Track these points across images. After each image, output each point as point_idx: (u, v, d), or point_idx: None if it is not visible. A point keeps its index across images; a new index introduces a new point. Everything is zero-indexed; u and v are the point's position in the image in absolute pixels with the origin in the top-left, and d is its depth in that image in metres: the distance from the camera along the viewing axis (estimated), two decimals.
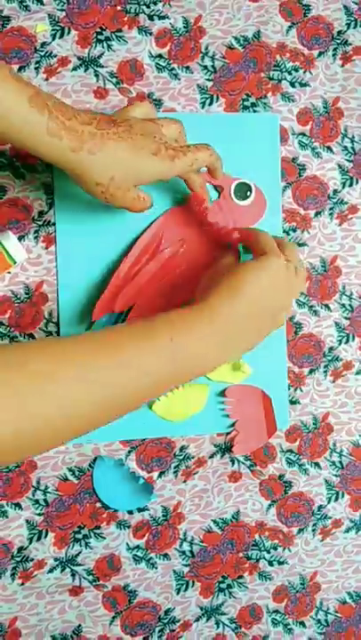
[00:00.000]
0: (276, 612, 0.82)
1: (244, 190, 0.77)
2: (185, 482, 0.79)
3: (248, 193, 0.77)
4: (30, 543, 0.76)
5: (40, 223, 0.75)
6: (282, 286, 0.64)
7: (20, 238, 0.74)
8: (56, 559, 0.77)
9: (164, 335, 0.58)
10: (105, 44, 0.76)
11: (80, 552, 0.77)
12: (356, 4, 0.81)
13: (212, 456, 0.79)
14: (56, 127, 0.58)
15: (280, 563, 0.82)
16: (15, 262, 0.72)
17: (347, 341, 0.82)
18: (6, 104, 0.56)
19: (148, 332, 0.58)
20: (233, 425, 0.79)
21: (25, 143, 0.59)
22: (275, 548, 0.81)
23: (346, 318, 0.82)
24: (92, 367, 0.55)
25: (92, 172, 0.61)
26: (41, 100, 0.57)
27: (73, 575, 0.77)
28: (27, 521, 0.76)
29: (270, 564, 0.82)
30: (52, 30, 0.75)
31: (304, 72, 0.80)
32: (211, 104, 0.78)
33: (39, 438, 0.52)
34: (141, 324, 0.59)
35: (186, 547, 0.79)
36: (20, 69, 0.74)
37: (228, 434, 0.79)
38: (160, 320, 0.60)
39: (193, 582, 0.80)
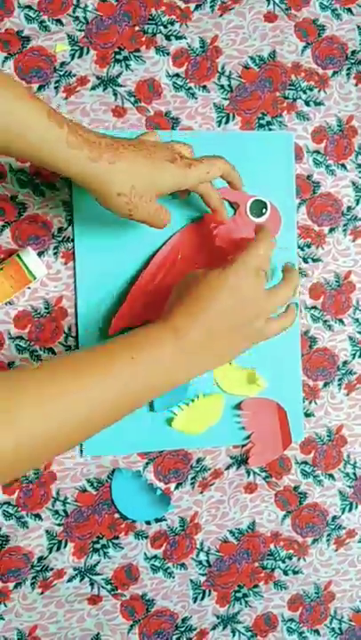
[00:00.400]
0: (291, 620, 0.79)
1: (259, 207, 0.74)
2: (202, 493, 0.76)
3: (263, 210, 0.74)
4: (50, 553, 0.73)
5: (59, 239, 0.72)
6: (248, 295, 0.59)
7: (40, 254, 0.72)
8: (75, 569, 0.74)
9: (125, 356, 0.56)
10: (123, 64, 0.73)
11: (99, 562, 0.74)
12: None
13: (228, 467, 0.76)
14: (75, 140, 0.56)
15: (295, 572, 0.79)
16: (35, 278, 0.70)
17: None
18: (26, 122, 0.54)
19: (108, 354, 0.56)
20: (249, 437, 0.76)
21: (45, 159, 0.56)
22: (290, 558, 0.78)
23: (359, 332, 0.79)
24: (48, 396, 0.52)
25: (113, 182, 0.58)
26: (59, 115, 0.56)
27: (92, 584, 0.74)
28: (46, 531, 0.73)
29: (285, 573, 0.79)
30: (72, 50, 0.72)
31: (319, 91, 0.77)
32: (227, 122, 0.75)
33: None
34: (101, 347, 0.57)
35: (202, 556, 0.76)
36: (39, 89, 0.71)
37: (243, 446, 0.76)
38: (121, 341, 0.58)
39: (209, 591, 0.77)
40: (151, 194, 0.61)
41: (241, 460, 0.77)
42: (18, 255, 0.70)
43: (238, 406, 0.76)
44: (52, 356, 0.60)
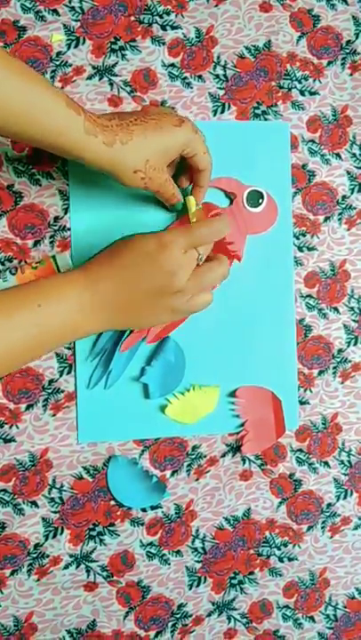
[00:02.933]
0: (287, 607, 0.79)
1: (256, 198, 0.74)
2: (197, 480, 0.76)
3: (260, 200, 0.74)
4: (46, 540, 0.73)
5: (55, 228, 0.72)
6: (170, 269, 0.60)
7: (36, 243, 0.72)
8: (71, 555, 0.74)
9: (32, 302, 0.58)
10: (119, 54, 0.73)
11: (95, 549, 0.74)
12: None
13: (223, 455, 0.76)
14: (91, 126, 0.58)
15: (290, 559, 0.78)
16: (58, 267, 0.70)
17: (355, 343, 0.79)
18: (46, 108, 0.56)
19: (15, 299, 0.58)
20: (243, 425, 0.76)
21: (61, 145, 0.58)
22: (285, 545, 0.78)
23: (354, 321, 0.78)
24: None
25: (127, 161, 0.60)
26: (75, 103, 0.58)
27: (88, 571, 0.74)
28: (42, 518, 0.73)
29: (281, 560, 0.78)
30: (68, 40, 0.72)
31: (314, 81, 0.77)
32: (223, 112, 0.75)
33: None
34: (12, 291, 0.59)
35: (198, 543, 0.76)
36: None
37: (238, 433, 0.76)
38: (32, 286, 0.60)
39: (205, 578, 0.77)
40: (163, 163, 0.63)
41: (236, 448, 0.76)
42: (54, 257, 0.70)
43: (233, 394, 0.75)
44: None
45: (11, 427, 0.72)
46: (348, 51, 0.78)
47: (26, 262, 0.71)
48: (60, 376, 0.73)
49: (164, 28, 0.74)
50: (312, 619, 0.79)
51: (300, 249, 0.77)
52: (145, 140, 0.60)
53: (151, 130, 0.61)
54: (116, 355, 0.72)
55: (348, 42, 0.78)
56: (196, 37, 0.74)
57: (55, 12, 0.72)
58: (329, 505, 0.79)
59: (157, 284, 0.61)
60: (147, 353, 0.74)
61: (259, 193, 0.74)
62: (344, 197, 0.78)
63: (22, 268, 0.69)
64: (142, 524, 0.75)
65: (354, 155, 0.78)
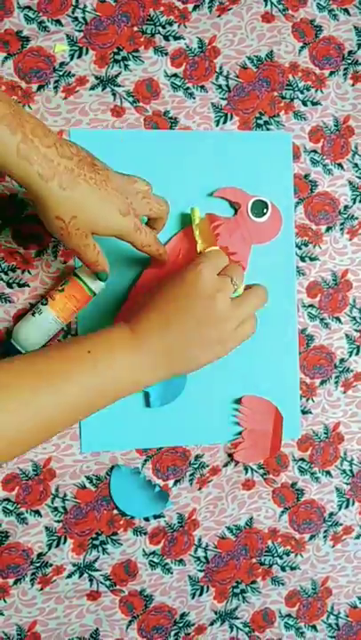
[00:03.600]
0: (289, 616, 0.79)
1: (260, 208, 0.74)
2: (200, 489, 0.76)
3: (265, 210, 0.74)
4: (49, 549, 0.73)
5: None
6: (200, 295, 0.59)
7: (39, 253, 0.72)
8: (74, 565, 0.74)
9: (87, 361, 0.57)
10: (122, 64, 0.73)
11: (97, 558, 0.74)
12: None
13: (226, 465, 0.76)
14: (28, 150, 0.53)
15: (292, 568, 0.79)
16: (95, 294, 0.70)
17: (357, 353, 0.79)
18: None
19: (67, 360, 0.57)
20: (241, 433, 0.76)
21: None
22: (287, 554, 0.78)
23: (356, 331, 0.79)
24: (5, 411, 0.53)
25: (56, 205, 0.56)
26: (17, 120, 0.53)
27: (91, 580, 0.74)
28: (46, 528, 0.73)
29: (283, 569, 0.78)
30: (71, 50, 0.72)
31: (316, 91, 0.77)
32: (225, 122, 0.75)
33: None
34: (59, 352, 0.58)
35: (200, 553, 0.76)
36: (39, 89, 0.71)
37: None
38: (79, 348, 0.58)
39: (207, 587, 0.77)
40: (88, 230, 0.60)
41: None
42: (75, 274, 0.69)
43: (238, 401, 0.75)
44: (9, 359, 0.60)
45: None
46: (350, 61, 0.78)
47: (52, 289, 0.71)
48: None
49: (166, 38, 0.74)
50: (314, 628, 0.79)
51: (302, 259, 0.77)
52: (83, 200, 0.57)
53: (96, 197, 0.58)
54: None
55: (351, 52, 0.78)
56: (199, 48, 0.75)
57: (58, 22, 0.72)
58: (331, 514, 0.79)
59: (199, 312, 0.59)
60: None
61: (263, 203, 0.74)
62: (346, 207, 0.78)
63: (51, 294, 0.69)
64: (145, 534, 0.75)
65: (356, 165, 0.78)
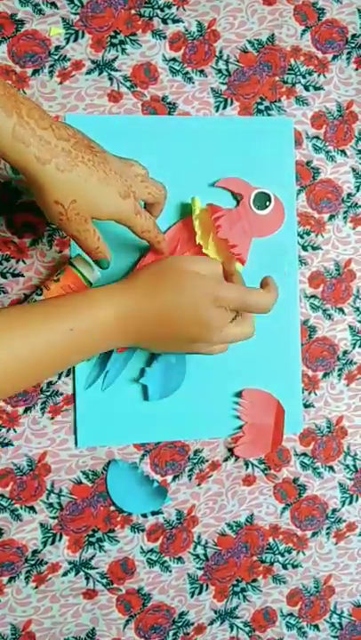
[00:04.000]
0: (291, 615, 0.77)
1: (263, 200, 0.72)
2: (199, 485, 0.74)
3: (267, 203, 0.72)
4: (44, 546, 0.72)
5: (54, 226, 0.70)
6: (211, 316, 0.58)
7: (34, 242, 0.70)
8: (70, 562, 0.72)
9: (64, 323, 0.57)
10: (119, 48, 0.71)
11: (94, 555, 0.73)
12: None
13: (226, 460, 0.75)
14: (24, 132, 0.52)
15: (294, 566, 0.77)
16: (91, 284, 0.68)
17: None
18: None
19: (46, 317, 0.57)
20: (241, 427, 0.74)
21: None
22: (289, 552, 0.77)
23: (360, 322, 0.77)
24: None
25: (54, 189, 0.55)
26: (11, 102, 0.52)
27: (87, 578, 0.73)
28: (41, 524, 0.72)
29: (284, 567, 0.77)
30: (66, 34, 0.70)
31: (318, 76, 0.75)
32: (225, 108, 0.74)
33: None
34: (42, 307, 0.58)
35: (200, 550, 0.75)
36: (34, 73, 0.70)
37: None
38: (61, 320, 0.57)
39: (207, 586, 0.75)
40: (88, 214, 0.58)
41: None
42: (71, 263, 0.68)
43: (239, 394, 0.73)
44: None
45: (8, 430, 0.70)
46: (353, 45, 0.76)
47: (47, 278, 0.69)
48: (59, 378, 0.71)
49: (165, 21, 0.72)
50: (317, 627, 0.78)
51: (304, 248, 0.76)
52: (83, 183, 0.56)
53: (95, 179, 0.56)
54: (113, 355, 0.70)
55: (354, 35, 0.76)
56: (198, 31, 0.73)
57: (54, 4, 0.70)
58: (334, 510, 0.78)
59: (196, 334, 0.59)
60: (147, 354, 0.72)
61: (266, 195, 0.72)
62: (349, 195, 0.77)
63: (46, 284, 0.68)
64: (143, 530, 0.74)
65: (359, 151, 0.77)
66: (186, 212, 0.72)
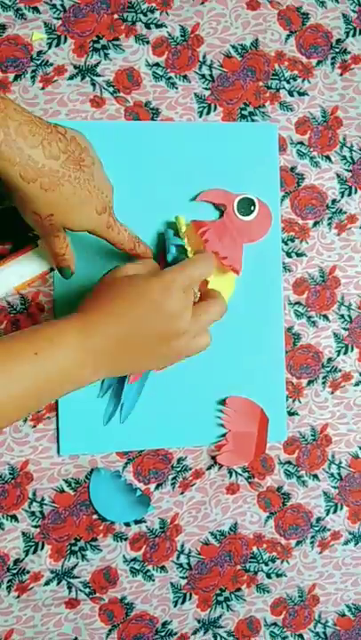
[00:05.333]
0: (275, 624, 0.77)
1: (247, 205, 0.72)
2: (182, 494, 0.74)
3: (252, 208, 0.72)
4: (26, 555, 0.71)
5: (36, 232, 0.69)
6: (173, 311, 0.57)
7: (15, 249, 0.70)
8: (52, 571, 0.72)
9: (28, 351, 0.54)
10: (102, 53, 0.71)
11: (76, 564, 0.72)
12: (355, 12, 0.76)
13: (209, 468, 0.74)
14: (10, 152, 0.51)
15: (278, 575, 0.77)
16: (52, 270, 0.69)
17: (346, 352, 0.77)
18: None
19: (11, 350, 0.54)
20: (225, 435, 0.74)
21: None
22: (273, 561, 0.76)
23: (344, 329, 0.77)
24: None
25: (34, 204, 0.56)
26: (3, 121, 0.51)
27: (69, 588, 0.72)
28: (23, 533, 0.71)
29: (268, 576, 0.76)
30: (49, 39, 0.70)
31: (303, 81, 0.75)
32: (208, 113, 0.73)
33: None
34: (7, 340, 0.56)
35: (183, 559, 0.74)
36: (15, 78, 0.69)
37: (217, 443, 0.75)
38: (25, 337, 0.56)
39: (190, 595, 0.75)
40: (61, 225, 0.59)
41: None
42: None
43: (223, 402, 0.73)
44: None
45: None
46: (338, 50, 0.76)
47: None
48: None
49: (148, 26, 0.72)
50: (301, 637, 0.77)
51: (288, 254, 0.75)
52: (64, 201, 0.56)
53: (77, 198, 0.57)
54: (125, 387, 0.70)
55: (339, 40, 0.76)
56: (182, 36, 0.73)
57: (36, 9, 0.70)
58: (318, 519, 0.77)
59: (161, 328, 0.57)
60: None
61: (249, 200, 0.72)
62: (334, 201, 0.76)
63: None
64: (126, 539, 0.73)
65: (344, 157, 0.76)
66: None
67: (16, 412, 0.56)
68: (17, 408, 0.55)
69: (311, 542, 0.77)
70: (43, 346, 0.55)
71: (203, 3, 0.73)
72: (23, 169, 0.52)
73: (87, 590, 0.73)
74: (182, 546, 0.74)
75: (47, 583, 0.72)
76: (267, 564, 0.76)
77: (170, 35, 0.72)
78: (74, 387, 0.58)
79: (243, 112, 0.74)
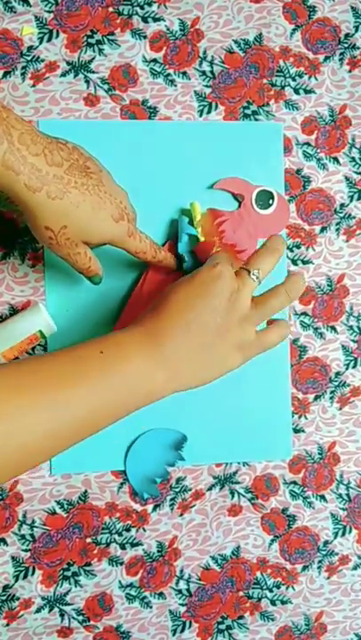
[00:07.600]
0: None
1: (266, 198, 0.71)
2: (181, 515, 0.72)
3: (270, 201, 0.71)
4: (16, 581, 0.69)
5: (27, 239, 0.68)
6: (214, 295, 0.55)
7: (6, 255, 0.68)
8: (44, 598, 0.70)
9: (95, 366, 0.52)
10: (96, 48, 0.69)
11: (69, 590, 0.70)
12: None
13: (210, 488, 0.72)
14: (14, 160, 0.51)
15: (283, 602, 0.75)
16: (45, 338, 0.67)
17: (354, 366, 0.75)
18: None
19: (77, 367, 0.52)
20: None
21: None
22: (278, 587, 0.74)
23: (353, 341, 0.75)
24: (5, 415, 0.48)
25: (44, 216, 0.55)
26: (2, 128, 0.51)
27: (62, 615, 0.70)
28: (12, 557, 0.69)
29: (273, 603, 0.74)
30: (40, 33, 0.68)
31: (309, 78, 0.73)
32: (209, 112, 0.71)
33: None
34: (68, 355, 0.53)
35: (182, 585, 0.72)
36: (4, 75, 0.67)
37: (227, 464, 0.72)
38: (89, 349, 0.54)
39: (190, 623, 0.73)
40: (79, 239, 0.58)
41: (224, 480, 0.73)
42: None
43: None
44: (10, 363, 0.55)
45: None
46: (346, 45, 0.74)
47: None
48: None
49: (145, 20, 0.70)
50: None
51: (294, 262, 0.73)
52: (74, 209, 0.55)
53: (88, 204, 0.56)
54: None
55: (347, 35, 0.74)
56: (181, 30, 0.71)
57: (26, 2, 0.68)
58: (326, 543, 0.75)
59: (219, 314, 0.55)
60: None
61: (269, 193, 0.71)
62: (342, 206, 0.74)
63: None
64: (121, 563, 0.71)
65: (353, 159, 0.74)
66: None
67: (80, 433, 0.53)
68: (81, 429, 0.53)
69: (318, 567, 0.75)
70: (112, 361, 0.53)
71: None
72: (28, 178, 0.52)
73: (80, 618, 0.71)
74: (182, 571, 0.73)
75: (38, 610, 0.70)
76: (271, 591, 0.74)
77: (168, 29, 0.71)
78: (142, 404, 0.55)
79: (245, 111, 0.72)
